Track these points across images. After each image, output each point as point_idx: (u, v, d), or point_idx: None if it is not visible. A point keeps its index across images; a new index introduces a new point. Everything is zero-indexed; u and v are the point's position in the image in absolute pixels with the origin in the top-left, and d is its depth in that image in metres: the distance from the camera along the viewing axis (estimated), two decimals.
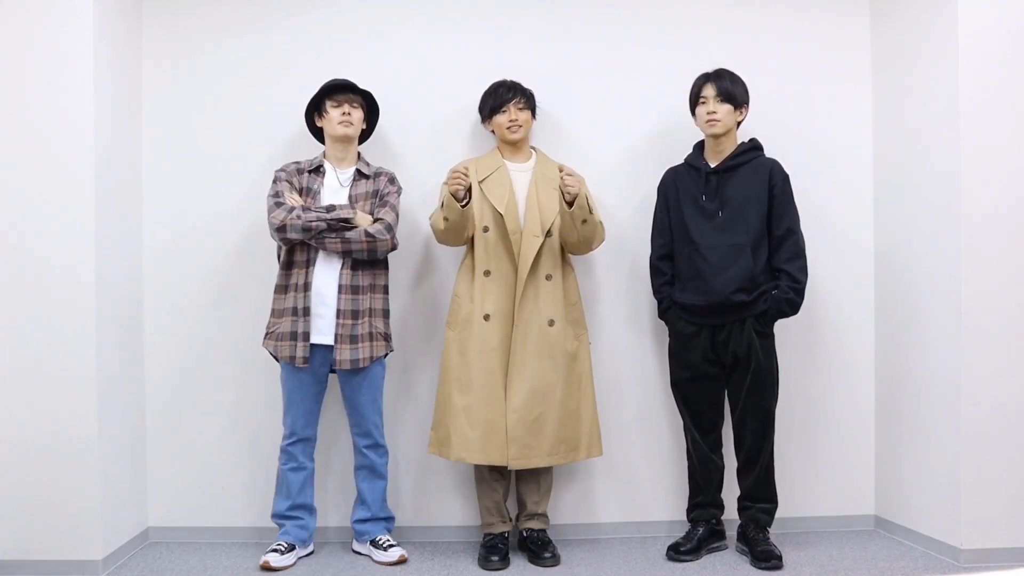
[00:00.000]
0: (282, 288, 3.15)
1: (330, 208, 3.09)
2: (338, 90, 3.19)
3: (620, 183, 3.54)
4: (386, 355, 3.25)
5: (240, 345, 3.46)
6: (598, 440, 3.27)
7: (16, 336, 3.06)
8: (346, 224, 3.07)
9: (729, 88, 3.15)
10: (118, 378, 3.24)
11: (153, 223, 3.47)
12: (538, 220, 3.16)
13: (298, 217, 3.04)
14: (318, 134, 3.30)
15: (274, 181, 3.17)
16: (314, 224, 3.05)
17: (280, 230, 3.06)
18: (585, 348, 3.26)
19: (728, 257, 3.12)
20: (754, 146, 3.23)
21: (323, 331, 3.12)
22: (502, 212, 3.14)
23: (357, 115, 3.21)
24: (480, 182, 3.20)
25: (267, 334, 3.18)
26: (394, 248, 3.19)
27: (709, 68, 3.24)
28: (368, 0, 3.52)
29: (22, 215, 3.06)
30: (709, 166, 3.21)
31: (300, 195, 3.16)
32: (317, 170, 3.22)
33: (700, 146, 3.29)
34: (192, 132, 3.48)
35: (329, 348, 3.14)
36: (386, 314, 3.25)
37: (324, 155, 3.27)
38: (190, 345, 3.47)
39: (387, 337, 3.24)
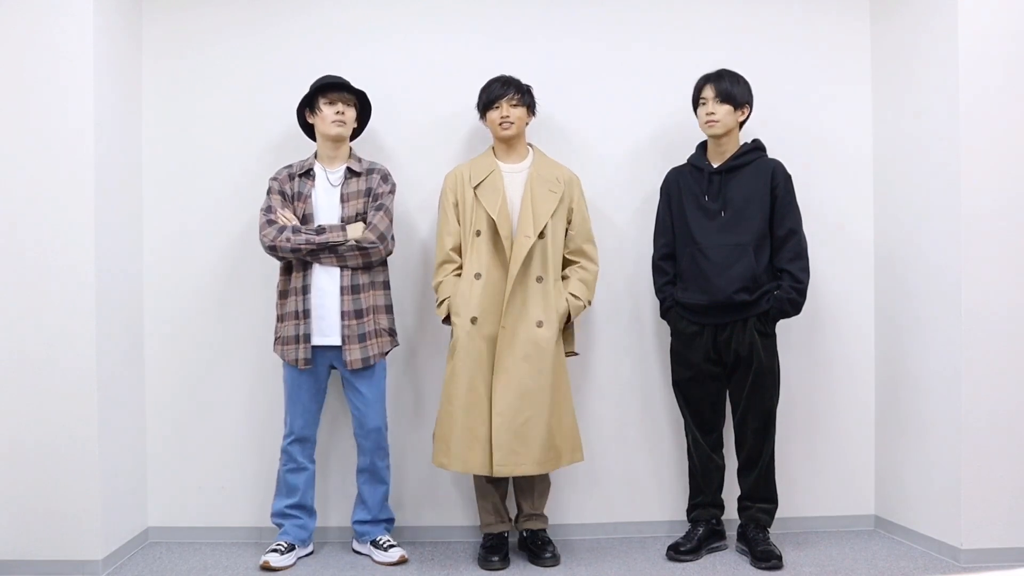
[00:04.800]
0: (284, 293, 3.17)
1: (319, 230, 3.09)
2: (332, 88, 3.17)
3: (622, 183, 3.54)
4: (390, 351, 3.25)
5: (240, 344, 3.46)
6: (580, 445, 3.23)
7: (16, 336, 3.06)
8: (336, 244, 3.09)
9: (728, 89, 3.15)
10: (118, 378, 3.24)
11: (153, 223, 3.46)
12: (531, 222, 3.14)
13: (287, 240, 3.05)
14: (309, 130, 3.29)
15: (267, 192, 3.18)
16: (303, 247, 3.06)
17: (271, 250, 3.09)
18: (561, 352, 3.20)
19: (730, 257, 3.12)
20: (756, 146, 3.23)
21: (325, 332, 3.13)
22: (495, 218, 3.13)
23: (350, 114, 3.20)
24: (475, 187, 3.19)
25: (276, 339, 3.20)
26: (389, 254, 3.21)
27: (710, 68, 3.24)
28: (367, 0, 3.52)
29: (22, 215, 3.06)
30: (712, 166, 3.21)
31: (293, 200, 3.16)
32: (307, 173, 3.21)
33: (703, 146, 3.29)
34: (192, 131, 3.47)
35: (331, 349, 3.15)
36: (389, 309, 3.25)
37: (315, 155, 3.25)
38: (190, 345, 3.47)
39: (392, 332, 3.25)
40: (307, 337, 3.11)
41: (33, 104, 3.06)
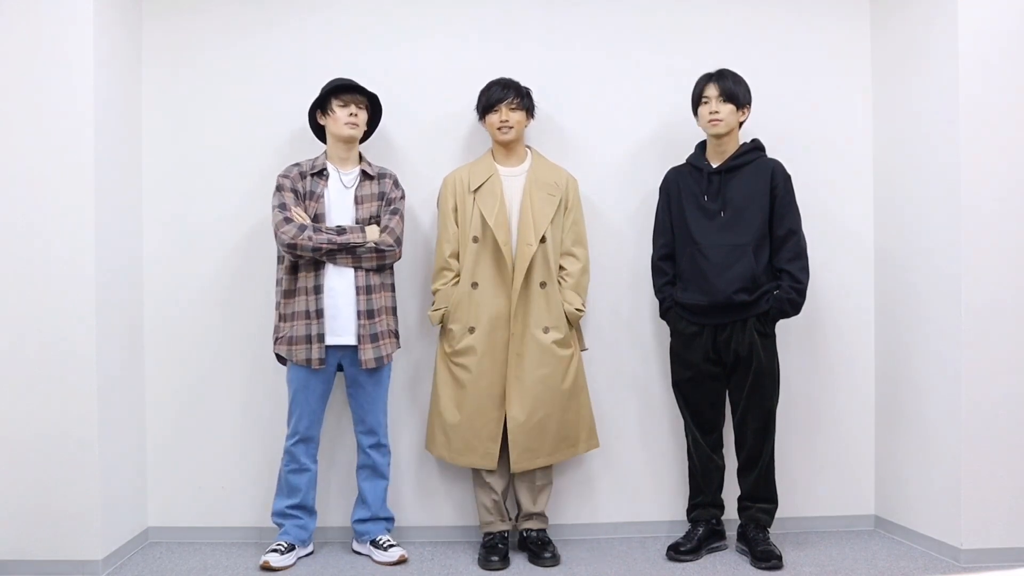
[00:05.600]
0: (290, 292, 3.15)
1: (340, 230, 3.10)
2: (345, 90, 3.18)
3: (621, 183, 3.54)
4: (394, 352, 3.26)
5: (240, 344, 3.46)
6: (595, 433, 3.31)
7: (16, 336, 3.06)
8: (357, 245, 3.10)
9: (732, 88, 3.15)
10: (118, 378, 3.24)
11: (153, 222, 3.46)
12: (531, 228, 3.16)
13: (309, 239, 3.05)
14: (319, 132, 3.29)
15: (277, 189, 3.16)
16: (324, 246, 3.07)
17: (290, 248, 3.08)
18: (577, 350, 3.27)
19: (730, 257, 3.12)
20: (756, 146, 3.23)
21: (338, 332, 3.13)
22: (492, 226, 3.14)
23: (363, 116, 3.21)
24: (474, 191, 3.20)
25: (277, 339, 3.18)
26: (400, 257, 3.23)
27: (710, 69, 3.24)
28: (369, 2, 3.52)
29: (22, 214, 3.06)
30: (711, 166, 3.21)
31: (304, 200, 3.16)
32: (320, 173, 3.21)
33: (702, 146, 3.29)
34: (192, 132, 3.47)
35: (342, 348, 3.15)
36: (395, 311, 3.27)
37: (326, 155, 3.26)
38: (190, 345, 3.47)
39: (396, 335, 3.26)
40: (321, 337, 3.10)
41: (33, 104, 3.06)
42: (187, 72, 3.48)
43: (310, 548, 3.32)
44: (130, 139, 3.39)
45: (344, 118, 3.16)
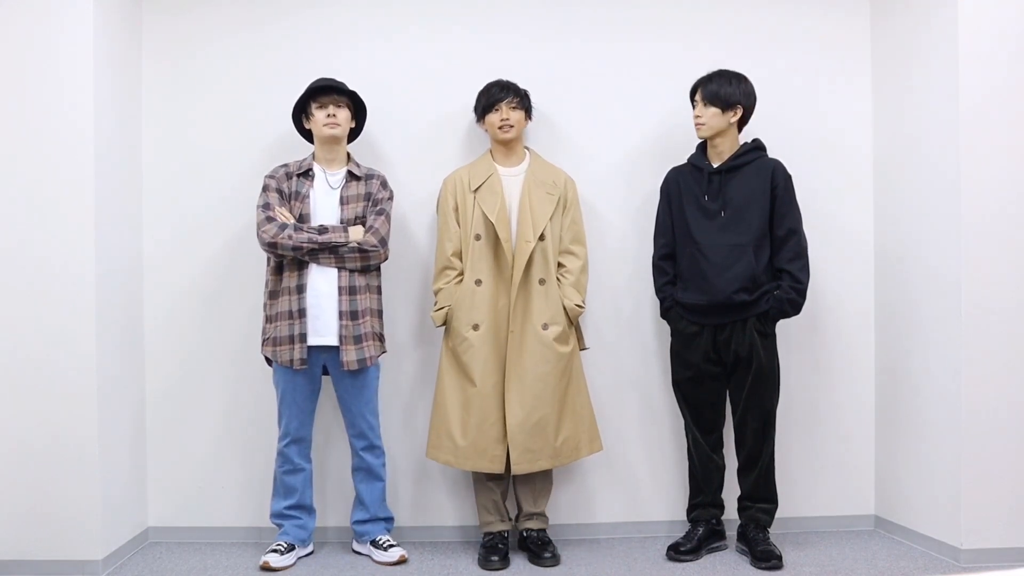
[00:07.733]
0: (275, 293, 3.15)
1: (322, 230, 3.09)
2: (322, 91, 3.18)
3: (621, 183, 3.54)
4: (379, 355, 3.24)
5: (240, 345, 3.45)
6: (598, 436, 3.30)
7: (16, 336, 3.06)
8: (339, 244, 3.09)
9: (715, 91, 3.14)
10: (118, 378, 3.24)
11: (153, 222, 3.46)
12: (530, 225, 3.17)
13: (289, 237, 3.05)
14: (307, 135, 3.29)
15: (263, 189, 3.17)
16: (305, 245, 3.06)
17: (271, 247, 3.07)
18: (575, 348, 3.26)
19: (730, 257, 3.12)
20: (757, 146, 3.23)
21: (321, 332, 3.12)
22: (493, 221, 3.15)
23: (343, 115, 3.20)
24: (474, 190, 3.20)
25: (264, 340, 3.18)
26: (386, 259, 3.21)
27: (710, 68, 3.23)
28: (366, 0, 3.52)
29: (22, 215, 3.06)
30: (712, 166, 3.21)
31: (290, 200, 3.16)
32: (306, 173, 3.21)
33: (703, 146, 3.28)
34: (192, 131, 3.47)
35: (325, 349, 3.14)
36: (380, 314, 3.25)
37: (313, 156, 3.25)
38: (190, 345, 3.46)
39: (382, 338, 3.25)
40: (303, 337, 3.10)
41: (33, 104, 3.06)
42: (187, 70, 3.48)
43: (310, 548, 3.32)
44: (130, 137, 3.38)
45: (323, 119, 3.16)
